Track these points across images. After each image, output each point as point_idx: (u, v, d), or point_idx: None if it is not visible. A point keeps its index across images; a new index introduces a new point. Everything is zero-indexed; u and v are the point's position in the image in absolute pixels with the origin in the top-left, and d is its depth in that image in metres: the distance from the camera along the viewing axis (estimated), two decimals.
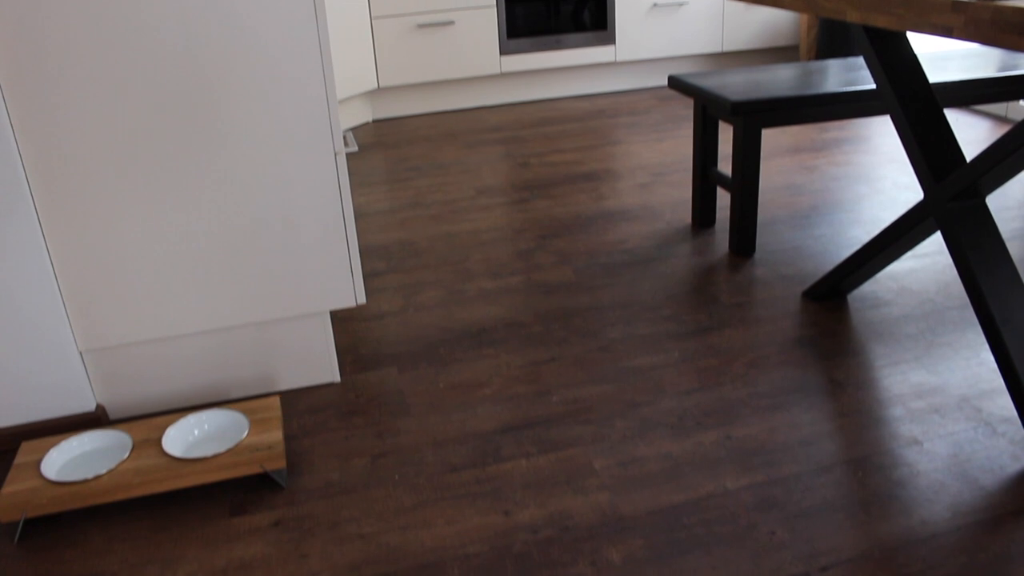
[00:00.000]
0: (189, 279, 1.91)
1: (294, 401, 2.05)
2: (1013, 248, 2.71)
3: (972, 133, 3.91)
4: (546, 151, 3.89)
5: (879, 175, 3.43)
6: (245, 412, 1.85)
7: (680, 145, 3.91)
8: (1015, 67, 2.86)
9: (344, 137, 1.99)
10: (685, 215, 3.08)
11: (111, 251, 1.85)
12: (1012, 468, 1.72)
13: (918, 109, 1.96)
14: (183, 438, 1.81)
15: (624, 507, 1.65)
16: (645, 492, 1.69)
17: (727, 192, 3.04)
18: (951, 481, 1.70)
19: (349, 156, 3.90)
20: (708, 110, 2.81)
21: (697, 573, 1.49)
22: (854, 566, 1.49)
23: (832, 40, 4.74)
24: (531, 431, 1.89)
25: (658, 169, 3.59)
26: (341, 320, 2.41)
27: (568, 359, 2.17)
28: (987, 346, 2.08)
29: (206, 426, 1.84)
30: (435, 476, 1.77)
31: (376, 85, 4.45)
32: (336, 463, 1.82)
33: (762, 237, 2.87)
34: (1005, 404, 1.92)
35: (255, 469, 1.72)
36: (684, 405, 1.96)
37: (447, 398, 2.03)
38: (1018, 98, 2.84)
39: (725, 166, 3.51)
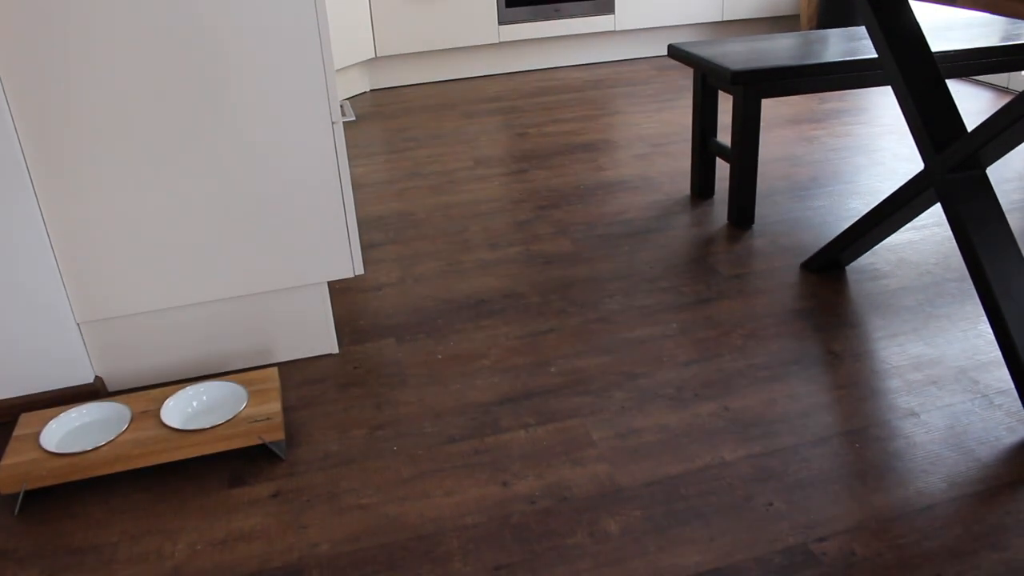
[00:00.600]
0: (187, 251, 1.91)
1: (292, 373, 2.05)
2: (1013, 220, 2.71)
3: (974, 104, 3.89)
4: (544, 121, 3.86)
5: (878, 146, 3.42)
6: (243, 383, 1.85)
7: (679, 115, 3.89)
8: (1017, 36, 2.84)
9: (341, 107, 1.97)
10: (684, 186, 3.07)
11: (108, 223, 1.84)
12: (1008, 440, 1.73)
13: (920, 79, 1.95)
14: (182, 409, 1.81)
15: (622, 478, 1.66)
16: (643, 463, 1.70)
17: (726, 163, 3.02)
18: (948, 453, 1.70)
19: (347, 126, 3.88)
20: (708, 80, 2.79)
21: (694, 544, 1.50)
22: (850, 537, 1.50)
23: (833, 9, 4.70)
24: (529, 402, 1.90)
25: (657, 139, 3.57)
26: (339, 291, 2.41)
27: (566, 330, 2.17)
28: (985, 318, 2.08)
29: (204, 397, 1.85)
30: (433, 447, 1.77)
31: (374, 54, 4.41)
32: (335, 434, 1.82)
33: (761, 208, 2.86)
34: (1002, 376, 1.93)
35: (253, 440, 1.72)
36: (682, 376, 1.96)
37: (445, 369, 2.03)
38: (1020, 68, 2.82)
39: (724, 137, 3.49)
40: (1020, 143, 1.81)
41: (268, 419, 1.75)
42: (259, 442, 1.72)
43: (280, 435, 1.74)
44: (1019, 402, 1.82)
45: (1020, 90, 4.00)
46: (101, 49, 1.69)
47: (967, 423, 1.79)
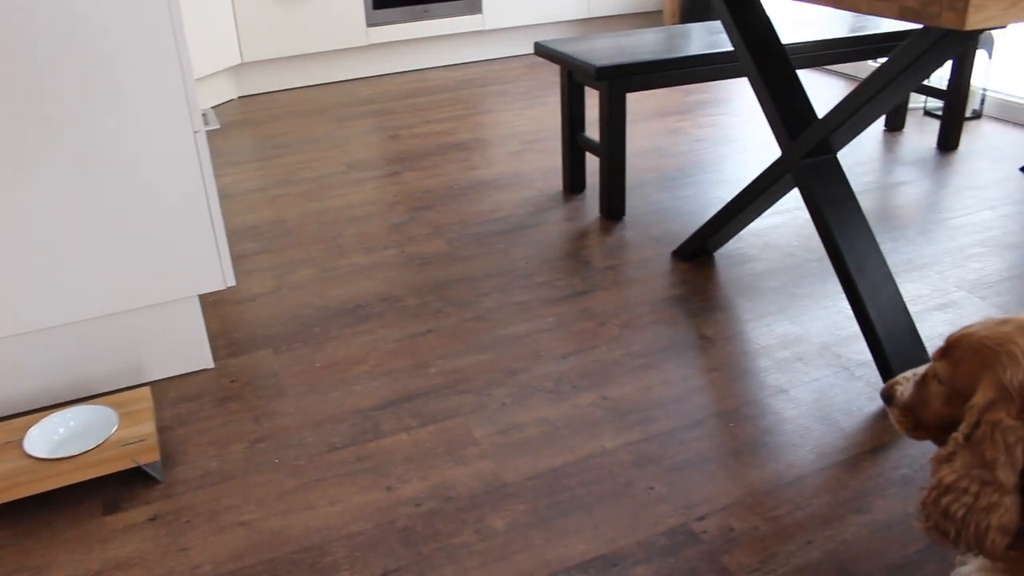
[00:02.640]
0: (46, 271, 1.82)
1: (166, 391, 1.99)
2: (867, 200, 2.84)
3: (828, 93, 4.06)
4: (416, 122, 3.85)
5: (741, 135, 3.53)
6: (114, 406, 1.79)
7: (549, 112, 3.93)
8: (863, 28, 2.98)
9: (204, 115, 1.92)
10: (556, 181, 3.11)
11: None
12: (869, 409, 1.81)
13: (772, 70, 2.02)
14: (47, 438, 1.73)
15: (505, 474, 1.67)
16: (525, 458, 1.71)
17: (596, 157, 3.07)
18: (815, 425, 1.78)
19: (214, 134, 3.78)
20: (574, 76, 2.83)
21: (579, 533, 1.52)
22: (728, 513, 1.55)
23: (696, 5, 4.84)
24: (410, 405, 1.89)
25: (528, 137, 3.60)
26: (212, 304, 2.35)
27: (444, 330, 2.17)
28: (844, 295, 2.17)
29: (72, 423, 1.77)
30: (315, 457, 1.75)
31: (240, 60, 4.31)
32: (213, 451, 1.78)
33: (631, 200, 2.92)
34: (861, 349, 2.02)
35: (127, 464, 1.66)
36: (560, 369, 1.99)
37: (324, 377, 2.01)
38: (867, 58, 2.97)
39: (593, 131, 3.55)
40: (866, 128, 1.90)
41: (142, 440, 1.69)
42: (133, 465, 1.66)
43: (155, 456, 1.68)
44: (877, 372, 1.91)
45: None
46: None
47: (831, 396, 1.87)
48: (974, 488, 0.97)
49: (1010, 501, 0.95)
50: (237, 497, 1.64)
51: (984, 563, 1.07)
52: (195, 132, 1.84)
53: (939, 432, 1.09)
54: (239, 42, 4.29)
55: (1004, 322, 1.02)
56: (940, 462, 1.02)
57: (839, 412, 1.81)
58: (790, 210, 2.78)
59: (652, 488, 1.62)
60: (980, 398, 0.99)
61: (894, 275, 2.33)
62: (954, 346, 1.05)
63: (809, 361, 1.99)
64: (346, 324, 2.22)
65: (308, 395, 1.94)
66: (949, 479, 0.99)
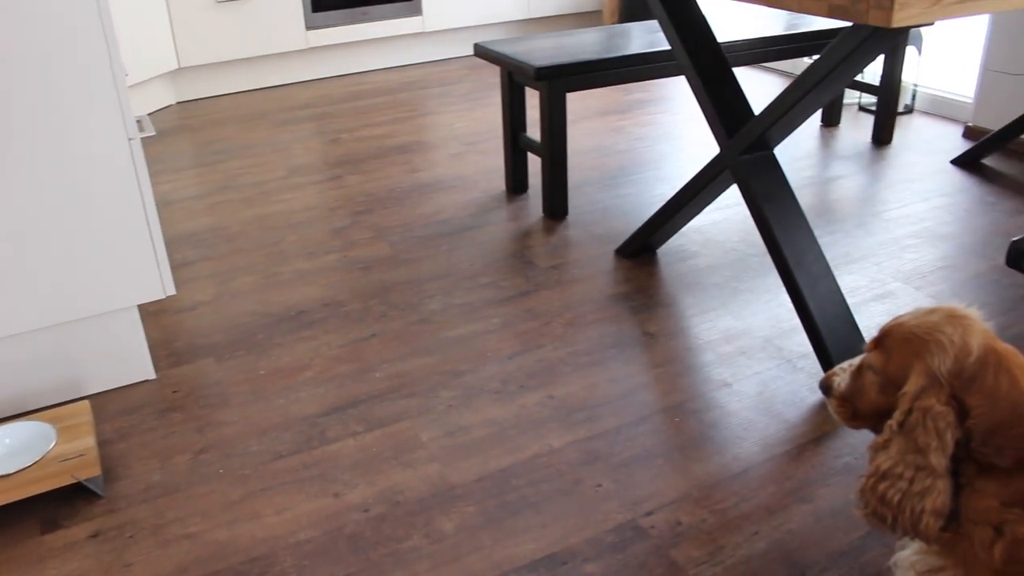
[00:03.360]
0: None
1: (106, 404, 1.94)
2: (806, 195, 2.89)
3: (765, 90, 4.12)
4: (357, 126, 3.83)
5: (681, 133, 3.57)
6: (51, 421, 1.75)
7: (491, 113, 3.93)
8: (797, 26, 3.03)
9: (139, 122, 1.89)
10: (499, 182, 3.11)
11: None
12: (811, 400, 1.84)
13: (708, 68, 2.05)
14: None
15: (453, 476, 1.66)
16: (473, 459, 1.71)
17: (538, 157, 3.08)
18: (759, 417, 1.80)
19: (152, 141, 3.72)
20: (514, 77, 2.83)
21: (528, 532, 1.52)
22: (675, 507, 1.56)
23: (634, 4, 4.88)
24: (356, 410, 1.87)
25: (470, 138, 3.60)
26: (152, 314, 2.31)
27: (389, 334, 2.16)
28: (784, 289, 2.21)
29: (7, 440, 1.72)
30: (261, 466, 1.72)
31: (177, 65, 4.24)
32: (156, 463, 1.74)
33: (574, 199, 2.93)
34: (802, 341, 2.05)
35: (66, 480, 1.62)
36: (506, 370, 1.99)
37: (268, 385, 1.98)
38: (802, 55, 3.01)
39: (535, 132, 3.56)
40: (802, 124, 1.93)
41: (81, 455, 1.66)
42: (73, 481, 1.63)
43: (96, 471, 1.65)
44: (818, 364, 1.95)
45: None
46: None
47: (774, 388, 1.89)
48: (909, 473, 0.99)
49: (942, 485, 0.97)
50: (181, 509, 1.62)
51: (921, 546, 1.10)
52: (130, 139, 1.80)
53: (876, 420, 1.11)
54: (176, 47, 4.22)
55: (932, 311, 1.05)
56: (876, 450, 1.05)
57: (782, 404, 1.84)
58: (731, 206, 2.82)
59: (600, 485, 1.63)
60: (911, 386, 1.01)
61: (832, 268, 2.37)
62: (886, 336, 1.08)
63: (752, 355, 2.02)
64: (289, 330, 2.20)
65: (252, 403, 1.92)
66: (885, 466, 1.02)
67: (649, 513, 1.56)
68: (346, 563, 1.47)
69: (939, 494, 0.97)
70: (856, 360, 1.15)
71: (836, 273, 2.35)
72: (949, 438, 0.97)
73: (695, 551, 1.47)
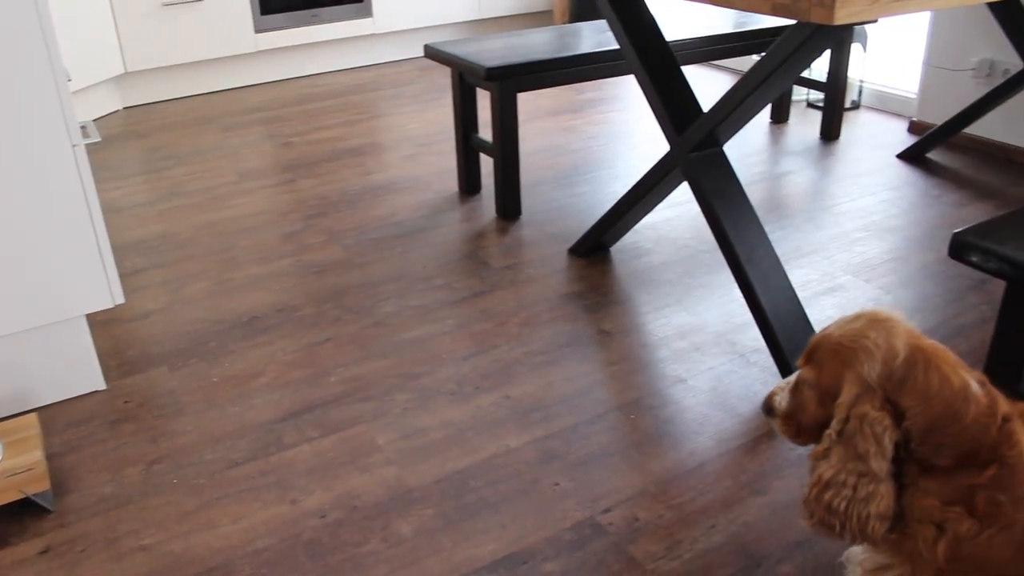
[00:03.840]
0: None
1: (56, 416, 1.91)
2: (756, 191, 2.92)
3: (715, 87, 4.16)
4: (309, 129, 3.80)
5: (633, 131, 3.59)
6: None
7: (443, 114, 3.93)
8: (745, 24, 3.06)
9: (84, 128, 1.86)
10: (452, 183, 3.10)
11: None
12: (764, 393, 1.85)
13: (657, 66, 2.06)
14: None
15: (411, 479, 1.66)
16: (430, 461, 1.70)
17: (491, 157, 3.08)
18: (714, 412, 1.82)
19: (99, 148, 3.66)
20: (465, 77, 2.83)
21: (487, 533, 1.52)
22: (633, 504, 1.57)
23: (585, 4, 4.90)
24: (311, 415, 1.86)
25: (423, 139, 3.59)
26: (102, 323, 2.27)
27: (343, 338, 2.14)
28: (736, 284, 2.23)
29: None
30: (216, 475, 1.70)
31: (123, 69, 4.18)
32: (108, 476, 1.72)
33: (527, 199, 2.94)
34: (755, 336, 2.08)
35: (14, 496, 1.59)
36: (462, 371, 1.99)
37: (222, 392, 1.96)
38: (750, 53, 3.05)
39: (487, 132, 3.56)
40: (750, 120, 1.95)
41: (29, 470, 1.62)
42: (21, 496, 1.59)
43: (45, 485, 1.61)
44: (771, 358, 1.97)
45: None
46: None
47: (728, 382, 1.91)
48: (851, 480, 1.00)
49: (885, 489, 0.99)
50: (135, 522, 1.59)
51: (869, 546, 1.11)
52: (74, 145, 1.77)
53: (820, 433, 1.12)
54: (121, 51, 4.15)
55: (856, 318, 1.06)
56: (817, 459, 1.06)
57: (736, 398, 1.86)
58: (683, 203, 2.84)
59: (558, 484, 1.63)
60: (845, 395, 1.02)
61: (783, 262, 2.40)
62: (815, 350, 1.09)
63: (706, 350, 2.04)
64: (243, 337, 2.17)
65: (206, 411, 1.90)
66: (827, 475, 1.03)
67: (607, 510, 1.56)
68: (304, 570, 1.46)
69: (882, 498, 0.99)
70: (792, 378, 1.16)
71: (787, 267, 2.38)
72: (887, 442, 0.99)
73: (653, 546, 1.48)
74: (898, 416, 0.99)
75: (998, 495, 0.96)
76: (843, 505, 1.01)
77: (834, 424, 1.03)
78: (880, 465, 0.98)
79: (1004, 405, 1.00)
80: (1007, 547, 0.96)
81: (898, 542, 1.03)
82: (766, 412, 1.19)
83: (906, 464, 1.01)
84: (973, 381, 1.00)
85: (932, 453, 0.99)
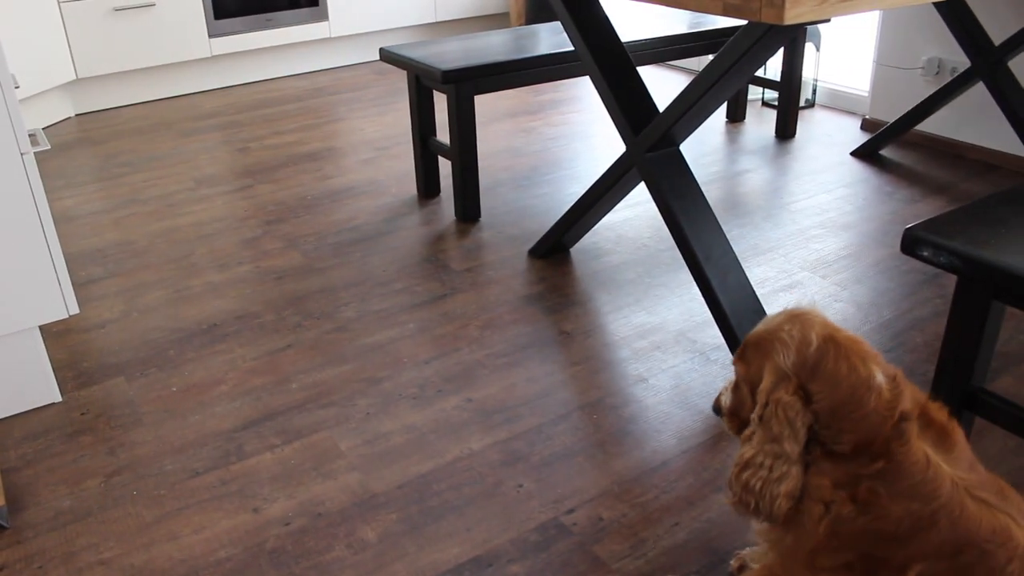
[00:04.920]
0: None
1: (10, 430, 1.87)
2: (713, 190, 2.94)
3: (670, 88, 4.19)
4: (266, 134, 3.77)
5: (592, 132, 3.61)
6: None
7: (401, 118, 3.92)
8: (700, 25, 3.09)
9: (33, 135, 1.83)
10: (411, 187, 3.10)
11: None
12: None
13: (612, 67, 2.07)
14: None
15: (374, 484, 1.65)
16: (394, 466, 1.70)
17: (449, 160, 3.08)
18: (675, 410, 1.83)
19: (51, 155, 3.60)
20: (421, 81, 2.83)
21: (452, 537, 1.52)
22: (597, 503, 1.58)
23: (541, 5, 4.91)
24: (273, 423, 1.85)
25: (381, 143, 3.58)
26: (56, 334, 2.23)
27: (304, 344, 2.13)
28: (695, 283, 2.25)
29: None
30: (177, 485, 1.68)
31: (74, 76, 4.11)
32: (65, 489, 1.69)
33: (486, 201, 2.94)
34: (715, 334, 2.09)
35: None
36: (424, 375, 1.98)
37: (182, 401, 1.94)
38: (706, 53, 3.07)
39: (445, 135, 3.55)
40: (706, 119, 1.97)
41: None
42: None
43: (0, 501, 1.59)
44: (730, 355, 1.99)
45: None
46: None
47: (689, 380, 1.93)
48: (768, 462, 1.07)
49: (796, 470, 1.06)
50: (94, 535, 1.57)
51: None
52: (22, 153, 1.74)
53: None
54: (72, 57, 4.09)
55: (777, 315, 1.13)
56: (744, 441, 1.13)
57: (697, 396, 1.87)
58: (641, 203, 2.86)
59: (521, 486, 1.63)
60: (765, 383, 1.09)
61: (741, 260, 2.42)
62: (745, 348, 1.15)
63: (666, 349, 2.05)
64: (202, 345, 2.15)
65: (166, 421, 1.87)
66: (748, 455, 1.10)
67: (571, 511, 1.57)
68: None
69: (792, 479, 1.05)
70: (732, 377, 1.22)
71: (745, 265, 2.41)
72: (799, 425, 1.05)
73: (617, 545, 1.49)
74: (808, 401, 1.06)
75: (879, 487, 1.03)
76: (759, 484, 1.07)
77: (756, 409, 1.10)
78: (792, 447, 1.05)
79: (907, 402, 1.06)
80: (875, 534, 1.04)
81: (791, 514, 1.09)
82: (715, 412, 1.25)
83: (812, 444, 1.07)
84: (880, 373, 1.05)
85: (833, 438, 1.05)
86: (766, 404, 1.08)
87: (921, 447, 1.04)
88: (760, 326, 1.14)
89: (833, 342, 1.07)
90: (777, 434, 1.05)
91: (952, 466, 1.05)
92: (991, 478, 1.07)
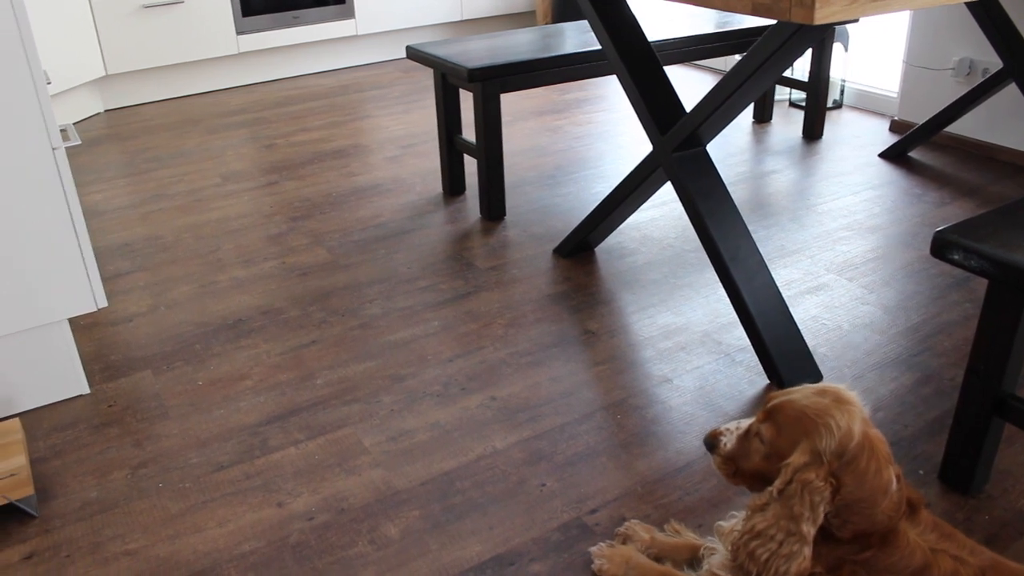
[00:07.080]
0: None
1: (39, 420, 1.89)
2: (739, 190, 2.93)
3: (698, 87, 4.17)
4: (292, 131, 3.79)
5: (618, 131, 3.60)
6: None
7: (427, 116, 3.92)
8: (728, 24, 3.07)
9: (64, 131, 1.85)
10: (436, 185, 3.10)
11: None
12: (749, 392, 1.87)
13: (640, 67, 2.06)
14: None
15: (397, 481, 1.66)
16: (417, 463, 1.70)
17: (475, 159, 3.08)
18: (700, 411, 1.82)
19: (81, 151, 3.64)
20: (448, 79, 2.83)
21: (475, 535, 1.52)
22: (620, 504, 1.57)
23: (567, 4, 4.90)
24: (297, 418, 1.85)
25: (406, 141, 3.59)
26: (85, 327, 2.25)
27: (329, 340, 2.14)
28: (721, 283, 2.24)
29: None
30: (202, 478, 1.69)
31: (104, 72, 4.15)
32: (93, 480, 1.70)
33: (511, 200, 2.94)
34: (740, 335, 2.08)
35: None
36: (448, 372, 1.99)
37: (208, 395, 1.95)
38: (733, 52, 3.06)
39: (471, 133, 3.56)
40: (733, 120, 1.96)
41: (13, 475, 1.61)
42: (5, 502, 1.58)
43: (29, 490, 1.60)
44: (756, 357, 1.98)
45: None
46: None
47: (714, 382, 1.92)
48: (780, 536, 1.08)
49: (807, 551, 1.07)
50: (120, 526, 1.58)
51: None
52: (54, 149, 1.76)
53: (754, 481, 1.20)
54: (102, 54, 4.13)
55: (822, 392, 1.14)
56: (755, 510, 1.13)
57: (722, 397, 1.86)
58: (667, 203, 2.85)
59: (544, 485, 1.63)
60: (796, 458, 1.10)
61: (767, 261, 2.41)
62: (777, 411, 1.15)
63: (691, 350, 2.04)
64: (228, 340, 2.16)
65: (192, 415, 1.89)
66: (760, 526, 1.11)
67: (594, 511, 1.57)
68: (291, 573, 1.45)
69: (804, 559, 1.07)
70: (744, 424, 1.22)
71: (771, 267, 2.39)
72: (821, 511, 1.07)
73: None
74: (836, 490, 1.08)
75: (861, 571, 1.10)
76: (765, 556, 1.09)
77: (777, 482, 1.11)
78: (809, 529, 1.07)
79: (903, 505, 1.11)
80: None
81: None
82: (708, 447, 1.25)
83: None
84: (895, 477, 1.10)
85: (839, 526, 1.10)
86: (790, 481, 1.09)
87: (907, 535, 1.10)
88: (801, 398, 1.14)
89: (869, 440, 1.09)
90: (797, 514, 1.07)
91: (915, 527, 1.12)
92: (949, 529, 1.14)
